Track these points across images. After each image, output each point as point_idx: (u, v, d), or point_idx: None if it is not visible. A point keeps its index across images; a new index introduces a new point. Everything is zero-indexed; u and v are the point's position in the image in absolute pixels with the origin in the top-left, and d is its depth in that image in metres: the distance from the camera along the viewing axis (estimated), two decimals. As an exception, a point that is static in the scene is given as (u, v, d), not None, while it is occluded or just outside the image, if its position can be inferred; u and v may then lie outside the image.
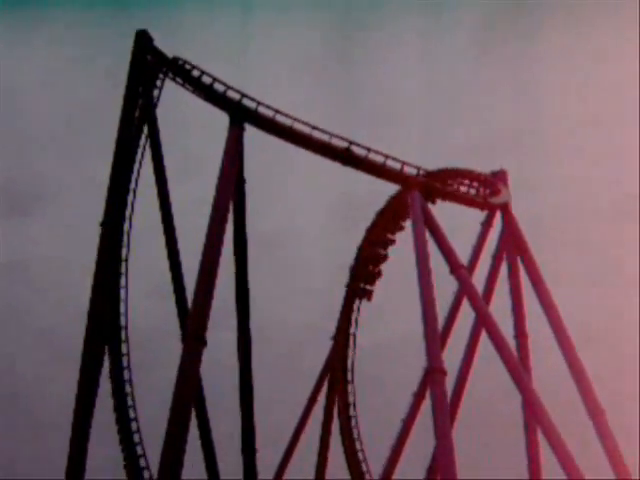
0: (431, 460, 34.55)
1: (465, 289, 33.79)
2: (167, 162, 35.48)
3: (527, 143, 62.45)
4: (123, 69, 35.12)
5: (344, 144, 34.14)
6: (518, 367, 31.69)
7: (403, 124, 62.10)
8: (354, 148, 34.17)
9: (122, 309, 35.41)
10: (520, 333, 35.54)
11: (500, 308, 35.75)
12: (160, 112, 35.77)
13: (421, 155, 37.68)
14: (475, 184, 37.17)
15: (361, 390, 39.84)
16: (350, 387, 39.67)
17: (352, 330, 39.83)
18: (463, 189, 36.94)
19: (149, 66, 35.12)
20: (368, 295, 39.55)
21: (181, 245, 35.21)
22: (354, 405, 39.58)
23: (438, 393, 29.56)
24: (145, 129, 35.48)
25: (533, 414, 31.98)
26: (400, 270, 37.39)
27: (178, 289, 35.10)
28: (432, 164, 36.81)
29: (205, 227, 31.31)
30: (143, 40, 34.95)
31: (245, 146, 33.45)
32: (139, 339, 36.20)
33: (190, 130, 50.99)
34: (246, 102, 33.52)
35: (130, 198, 35.39)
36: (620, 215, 57.44)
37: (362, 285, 39.32)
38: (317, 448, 38.98)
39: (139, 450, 34.83)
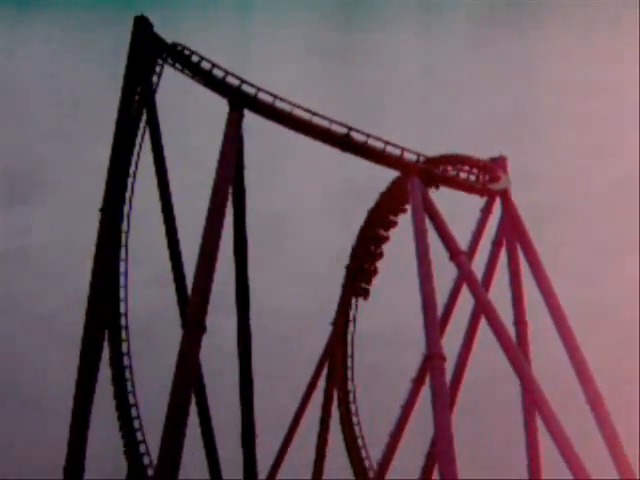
0: (430, 446, 34.61)
1: (464, 275, 33.75)
2: (167, 148, 35.50)
3: (527, 130, 62.36)
4: (124, 54, 35.10)
5: (344, 130, 34.06)
6: (517, 354, 31.69)
7: (403, 110, 61.99)
8: (354, 134, 34.09)
9: (122, 295, 35.50)
10: (519, 320, 35.52)
11: (499, 295, 35.78)
12: (160, 98, 35.77)
13: (421, 141, 37.61)
14: (475, 170, 37.11)
15: (360, 376, 39.94)
16: (350, 373, 39.79)
17: (352, 315, 39.91)
18: (463, 175, 36.91)
19: (148, 52, 35.05)
20: (369, 275, 39.59)
21: (181, 231, 35.25)
22: (353, 391, 39.68)
23: (437, 379, 29.59)
24: (144, 115, 35.47)
25: (532, 401, 32.00)
26: (400, 256, 37.39)
27: (178, 275, 35.16)
28: (432, 150, 36.82)
29: (205, 213, 31.31)
30: (142, 26, 34.88)
31: (244, 131, 33.44)
32: (139, 325, 36.25)
33: (190, 116, 50.90)
34: (245, 88, 33.43)
35: (129, 184, 35.40)
36: (620, 201, 57.41)
37: (363, 264, 39.34)
38: (317, 434, 39.08)
39: (139, 436, 34.95)
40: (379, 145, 34.39)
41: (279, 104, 33.56)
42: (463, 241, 35.23)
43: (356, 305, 40.07)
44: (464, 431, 30.79)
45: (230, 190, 33.04)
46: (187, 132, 50.83)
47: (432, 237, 33.12)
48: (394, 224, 38.60)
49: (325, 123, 33.90)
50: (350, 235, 39.63)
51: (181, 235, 35.30)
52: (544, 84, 64.54)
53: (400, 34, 66.26)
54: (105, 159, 35.13)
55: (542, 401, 30.42)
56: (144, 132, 35.51)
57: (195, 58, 34.12)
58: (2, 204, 61.94)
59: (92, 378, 33.92)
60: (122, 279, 35.42)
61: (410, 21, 66.32)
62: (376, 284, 39.72)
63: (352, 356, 39.94)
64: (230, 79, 33.55)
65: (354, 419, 39.55)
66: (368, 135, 34.22)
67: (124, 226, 35.34)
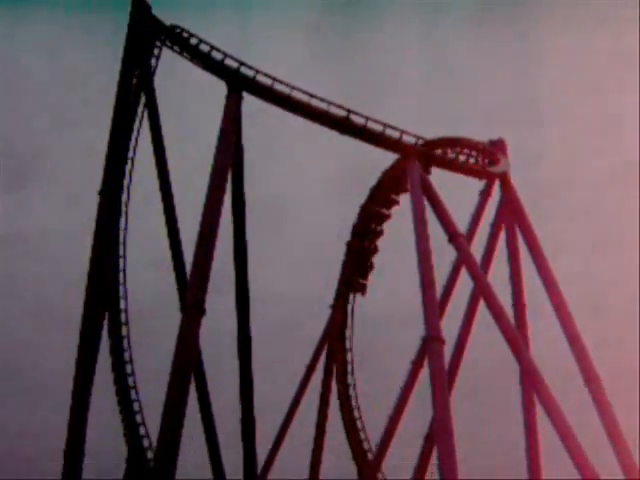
0: (429, 428, 34.70)
1: (463, 258, 33.79)
2: (165, 131, 35.43)
3: (526, 112, 62.23)
4: (122, 37, 34.97)
5: (343, 112, 34.01)
6: (516, 336, 31.77)
7: (402, 93, 61.87)
8: (352, 117, 34.05)
9: (121, 279, 35.54)
10: (518, 302, 35.59)
11: (498, 278, 35.82)
12: (158, 81, 35.67)
13: (420, 124, 37.55)
14: (474, 153, 37.09)
15: (359, 358, 40.00)
16: (349, 355, 39.87)
17: (351, 298, 39.96)
18: (462, 158, 36.88)
19: (146, 34, 34.93)
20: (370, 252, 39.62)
21: (180, 214, 35.24)
22: (352, 373, 39.78)
23: (436, 361, 29.67)
24: (143, 98, 35.39)
25: (530, 382, 32.09)
26: (398, 239, 37.40)
27: (177, 258, 35.15)
28: (431, 133, 36.77)
29: (203, 196, 31.29)
30: (140, 7, 34.75)
31: (243, 113, 33.39)
32: (138, 308, 36.29)
33: (189, 99, 50.79)
34: (244, 70, 33.35)
35: (128, 167, 35.37)
36: (620, 183, 57.36)
37: (364, 242, 39.37)
38: (316, 416, 39.20)
39: (139, 419, 35.04)
40: (378, 127, 34.33)
41: (278, 86, 33.49)
42: (462, 224, 35.29)
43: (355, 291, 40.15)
44: (462, 413, 30.87)
45: (229, 173, 33.01)
46: (186, 115, 50.74)
47: (431, 220, 33.13)
48: (395, 202, 38.59)
49: (324, 105, 33.85)
50: (350, 219, 39.63)
51: (180, 218, 35.28)
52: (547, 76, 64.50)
53: (401, 23, 66.17)
54: (104, 143, 35.08)
55: (540, 383, 30.50)
56: (142, 115, 35.44)
57: (194, 40, 34.01)
58: (1, 188, 61.89)
59: (92, 361, 34.03)
60: (121, 262, 35.46)
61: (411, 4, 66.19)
62: (376, 265, 39.74)
63: (351, 338, 40.02)
64: (229, 61, 33.46)
65: (353, 400, 39.67)
66: (367, 118, 34.17)
67: (123, 209, 35.34)
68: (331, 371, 39.47)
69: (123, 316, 35.40)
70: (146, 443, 34.76)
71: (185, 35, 34.24)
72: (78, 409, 33.46)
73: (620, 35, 60.45)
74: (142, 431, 34.93)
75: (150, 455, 34.34)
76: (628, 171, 54.78)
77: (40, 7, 64.43)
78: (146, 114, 35.36)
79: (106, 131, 35.08)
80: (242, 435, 35.36)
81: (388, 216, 38.99)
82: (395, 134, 34.55)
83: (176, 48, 34.60)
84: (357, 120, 34.09)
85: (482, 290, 33.09)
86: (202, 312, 29.49)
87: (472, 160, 36.91)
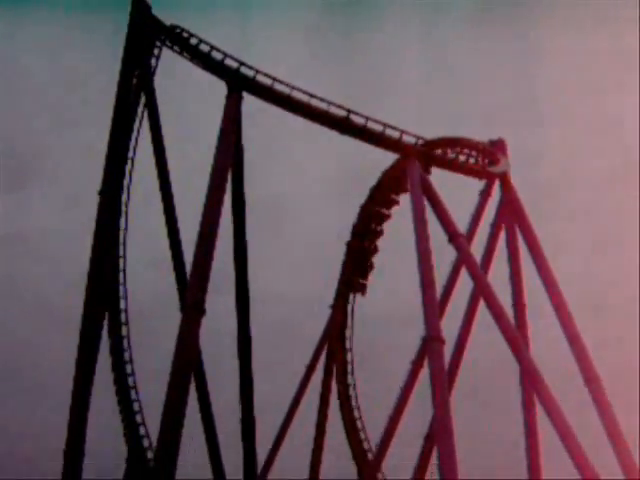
0: (429, 428, 34.71)
1: (463, 258, 33.78)
2: (165, 131, 35.43)
3: (526, 112, 62.25)
4: (122, 37, 34.97)
5: (343, 112, 34.01)
6: (516, 336, 31.76)
7: (402, 93, 61.88)
8: (352, 117, 34.04)
9: (121, 279, 35.54)
10: (518, 302, 35.59)
11: (498, 278, 35.81)
12: (158, 81, 35.66)
13: (420, 124, 37.55)
14: (474, 153, 37.09)
15: (359, 358, 40.00)
16: (349, 355, 39.88)
17: (351, 298, 39.97)
18: (462, 158, 36.89)
19: (146, 34, 34.94)
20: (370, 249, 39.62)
21: (180, 214, 35.24)
22: (352, 373, 39.79)
23: (436, 361, 29.67)
24: (143, 98, 35.39)
25: (530, 382, 32.09)
26: (398, 239, 37.40)
27: (177, 258, 35.16)
28: (431, 133, 36.77)
29: (203, 196, 31.30)
30: (140, 7, 34.75)
31: (243, 113, 33.41)
32: (138, 309, 36.29)
33: (188, 99, 50.81)
34: (244, 70, 33.35)
35: (128, 167, 35.38)
36: (620, 183, 57.37)
37: (364, 242, 39.38)
38: (316, 416, 39.21)
39: (139, 419, 35.04)
40: (378, 127, 34.33)
41: (278, 86, 33.49)
42: (462, 224, 35.29)
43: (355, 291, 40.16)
44: (462, 413, 30.87)
45: (229, 173, 33.01)
46: (186, 115, 50.76)
47: (431, 220, 33.13)
48: (395, 202, 38.60)
49: (324, 105, 33.85)
50: (350, 219, 39.63)
51: (180, 218, 35.29)
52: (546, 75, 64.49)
53: (401, 23, 66.20)
54: (104, 143, 35.09)
55: (540, 383, 30.50)
56: (142, 115, 35.44)
57: (194, 40, 34.01)
58: (1, 188, 61.89)
59: (92, 361, 34.04)
60: (121, 262, 35.47)
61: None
62: (376, 265, 39.74)
63: (351, 338, 40.03)
64: (229, 61, 33.45)
65: (353, 400, 39.68)
66: (367, 118, 34.17)
67: (123, 209, 35.35)
68: (331, 371, 39.51)
69: (123, 316, 35.40)
70: (146, 443, 34.77)
71: (185, 35, 34.24)
72: (78, 409, 33.46)
73: (620, 35, 60.53)
74: (142, 431, 34.94)
75: (150, 455, 34.35)
76: (628, 171, 54.82)
77: (40, 7, 64.46)
78: (146, 114, 35.36)
79: (106, 131, 35.09)
80: (242, 435, 35.37)
81: (388, 216, 39.01)
82: (395, 134, 34.55)
83: (176, 48, 34.60)
84: (357, 120, 34.08)
85: (482, 290, 33.08)
86: (202, 312, 29.49)
87: (472, 160, 36.91)
